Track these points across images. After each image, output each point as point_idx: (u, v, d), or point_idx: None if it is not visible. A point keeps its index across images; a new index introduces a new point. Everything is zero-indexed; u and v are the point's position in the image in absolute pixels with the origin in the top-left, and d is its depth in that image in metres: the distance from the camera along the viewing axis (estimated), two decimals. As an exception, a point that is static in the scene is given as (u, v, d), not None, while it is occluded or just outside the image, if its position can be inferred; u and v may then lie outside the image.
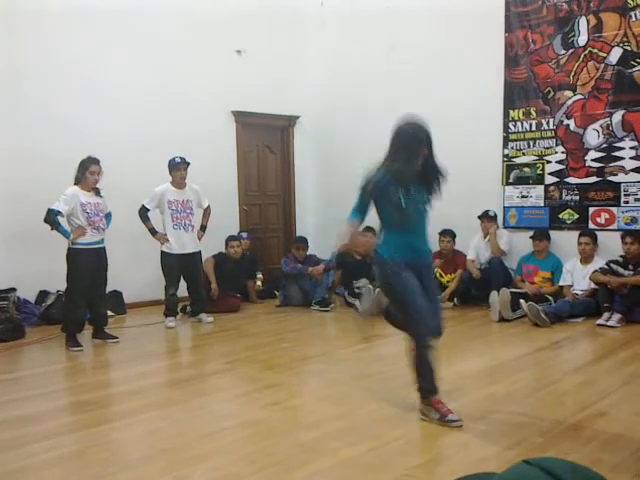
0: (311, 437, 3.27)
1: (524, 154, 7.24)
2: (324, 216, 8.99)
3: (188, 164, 6.41)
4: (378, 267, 3.52)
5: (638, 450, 2.99)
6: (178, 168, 6.38)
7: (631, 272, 6.06)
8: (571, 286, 6.57)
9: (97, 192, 5.64)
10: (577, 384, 4.17)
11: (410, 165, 3.44)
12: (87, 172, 5.51)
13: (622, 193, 6.59)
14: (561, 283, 6.66)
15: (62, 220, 5.51)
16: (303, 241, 7.72)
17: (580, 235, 6.59)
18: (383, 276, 3.49)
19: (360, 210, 3.52)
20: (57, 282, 6.17)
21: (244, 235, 7.96)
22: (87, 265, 5.52)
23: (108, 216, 5.81)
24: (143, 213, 6.36)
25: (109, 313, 6.26)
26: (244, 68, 8.28)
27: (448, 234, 7.29)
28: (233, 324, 6.55)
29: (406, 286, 3.40)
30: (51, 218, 5.43)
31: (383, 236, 3.57)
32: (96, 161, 5.55)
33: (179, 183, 6.43)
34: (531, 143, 7.18)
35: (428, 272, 3.62)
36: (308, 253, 7.68)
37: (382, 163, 3.53)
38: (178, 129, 7.55)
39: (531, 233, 6.95)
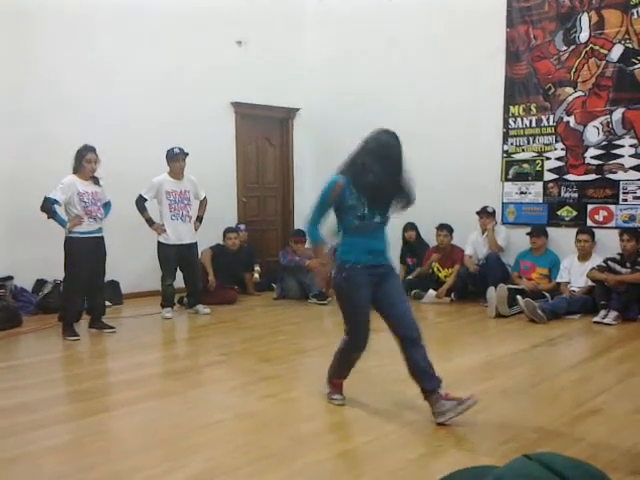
0: (306, 430, 3.28)
1: (523, 150, 7.23)
2: (322, 209, 8.98)
3: (187, 155, 6.40)
4: (336, 269, 3.46)
5: (632, 448, 3.01)
6: (177, 159, 6.36)
7: (628, 270, 6.07)
8: (568, 283, 6.58)
9: (96, 181, 5.62)
10: (572, 381, 4.19)
11: (389, 181, 3.31)
12: (83, 161, 5.49)
13: (621, 191, 6.59)
14: (558, 280, 6.67)
15: (59, 209, 5.49)
16: (301, 234, 7.69)
17: (579, 232, 6.59)
18: (338, 279, 3.43)
19: (320, 221, 3.45)
20: (54, 271, 6.16)
21: (242, 227, 7.96)
22: (84, 254, 5.50)
23: (107, 205, 5.79)
24: (140, 203, 6.35)
25: (106, 303, 6.26)
26: (244, 59, 8.25)
27: (445, 228, 7.30)
28: (230, 316, 6.55)
29: (355, 300, 3.40)
30: (48, 206, 5.41)
31: (342, 239, 3.47)
32: (92, 149, 5.52)
33: (177, 174, 6.41)
34: (531, 139, 7.17)
35: (390, 277, 3.48)
36: (306, 246, 7.67)
37: (349, 168, 3.39)
38: (178, 119, 7.53)
39: (529, 229, 6.96)
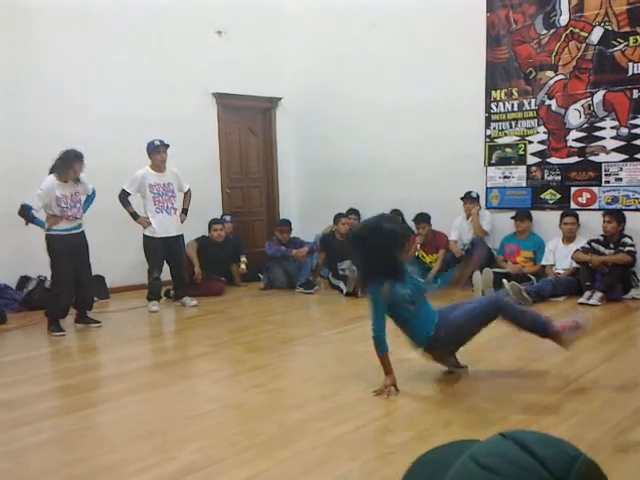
0: (295, 418, 3.28)
1: (506, 134, 7.25)
2: (307, 198, 8.97)
3: (167, 146, 6.34)
4: (434, 341, 3.67)
5: (617, 426, 3.04)
6: (158, 151, 6.30)
7: (612, 251, 6.12)
8: (553, 265, 6.62)
9: (76, 179, 5.54)
10: (558, 362, 4.21)
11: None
12: (70, 169, 5.39)
13: (603, 173, 6.62)
14: (543, 262, 6.71)
15: (37, 212, 5.42)
16: (287, 224, 7.70)
17: (565, 215, 6.63)
18: (444, 336, 3.66)
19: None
20: (38, 267, 6.11)
21: (227, 218, 7.92)
22: (66, 250, 5.44)
23: (91, 196, 5.73)
24: (124, 197, 6.29)
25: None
26: (225, 49, 8.18)
27: (422, 221, 7.26)
28: (217, 307, 6.53)
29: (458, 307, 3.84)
30: (25, 213, 5.35)
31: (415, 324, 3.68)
32: (80, 157, 5.42)
33: (159, 166, 6.36)
34: (513, 123, 7.19)
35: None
36: (292, 235, 7.66)
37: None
38: (158, 111, 7.45)
39: (513, 213, 6.99)
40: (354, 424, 3.15)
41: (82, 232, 5.62)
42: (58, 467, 2.81)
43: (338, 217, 7.62)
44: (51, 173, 5.46)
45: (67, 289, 5.53)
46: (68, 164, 5.39)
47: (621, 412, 3.21)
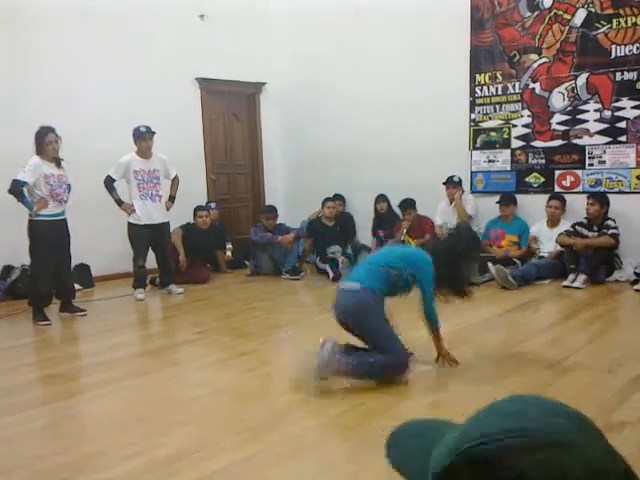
0: (285, 402, 3.29)
1: (490, 118, 7.26)
2: (293, 184, 8.95)
3: (154, 133, 6.28)
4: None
5: (603, 404, 3.08)
6: (143, 137, 6.25)
7: (595, 234, 6.17)
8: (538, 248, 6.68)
9: (58, 163, 5.49)
10: (544, 343, 4.26)
11: None
12: (44, 143, 5.35)
13: (587, 156, 6.66)
14: (528, 246, 6.77)
15: (26, 192, 5.36)
16: (272, 210, 7.68)
17: (550, 198, 6.67)
18: None
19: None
20: (21, 256, 6.03)
21: (212, 205, 7.89)
22: (50, 237, 5.39)
23: (68, 188, 5.68)
24: (109, 183, 6.24)
25: (77, 286, 6.17)
26: (208, 34, 8.10)
27: (408, 206, 7.27)
28: (203, 294, 6.52)
29: None
30: (18, 189, 5.28)
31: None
32: (51, 129, 5.36)
33: (145, 153, 6.31)
34: (497, 107, 7.20)
35: None
36: (278, 222, 7.65)
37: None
38: (141, 97, 7.38)
39: (498, 198, 7.02)
40: (343, 407, 3.17)
41: (65, 219, 5.57)
42: (48, 454, 2.80)
43: (325, 201, 7.63)
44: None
45: (46, 278, 5.48)
46: (42, 139, 5.34)
47: (605, 392, 3.26)
